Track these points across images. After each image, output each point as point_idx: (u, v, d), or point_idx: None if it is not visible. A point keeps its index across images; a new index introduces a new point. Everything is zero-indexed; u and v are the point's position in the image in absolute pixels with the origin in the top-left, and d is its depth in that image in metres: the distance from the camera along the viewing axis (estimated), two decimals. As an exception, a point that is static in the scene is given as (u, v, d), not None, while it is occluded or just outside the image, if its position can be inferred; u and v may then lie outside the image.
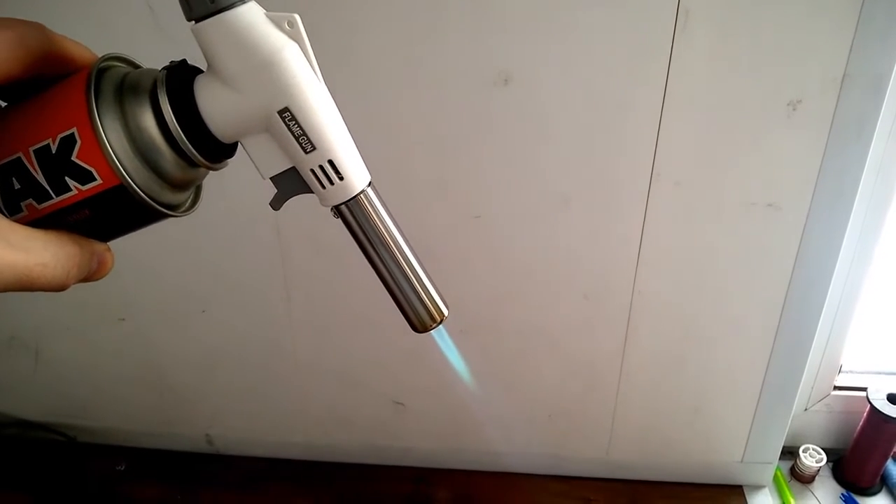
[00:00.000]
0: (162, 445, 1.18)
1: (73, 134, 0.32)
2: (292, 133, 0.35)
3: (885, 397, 1.02)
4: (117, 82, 0.34)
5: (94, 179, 0.32)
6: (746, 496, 1.07)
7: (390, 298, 0.41)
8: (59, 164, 0.32)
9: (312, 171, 0.36)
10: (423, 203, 0.88)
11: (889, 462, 1.07)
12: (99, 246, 0.35)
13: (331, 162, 0.36)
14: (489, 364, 1.01)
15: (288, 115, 0.34)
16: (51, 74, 0.33)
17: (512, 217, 0.89)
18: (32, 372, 1.14)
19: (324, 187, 0.37)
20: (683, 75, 0.76)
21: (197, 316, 1.03)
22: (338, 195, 0.38)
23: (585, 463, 1.09)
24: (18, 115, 0.33)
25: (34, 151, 0.32)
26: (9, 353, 1.12)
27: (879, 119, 0.76)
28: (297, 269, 0.96)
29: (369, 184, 0.39)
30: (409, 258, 0.40)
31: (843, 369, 1.09)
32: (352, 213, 0.39)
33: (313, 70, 0.35)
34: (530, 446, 1.09)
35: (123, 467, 1.15)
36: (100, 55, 0.35)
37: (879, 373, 1.11)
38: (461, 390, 1.04)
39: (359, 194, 0.38)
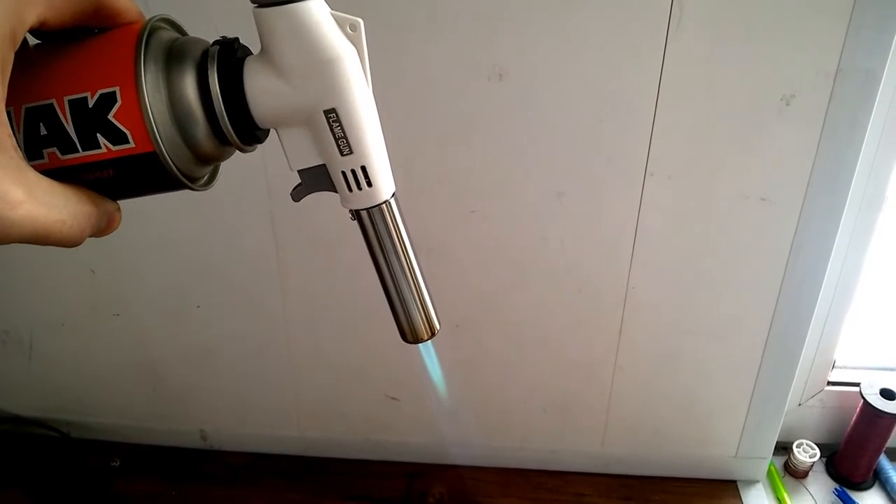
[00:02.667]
0: (156, 441, 1.18)
1: (114, 93, 0.31)
2: (333, 134, 0.35)
3: (879, 392, 1.03)
4: (165, 47, 0.33)
5: (127, 142, 0.32)
6: (740, 491, 1.07)
7: (387, 304, 0.42)
8: (94, 120, 0.31)
9: (343, 172, 0.37)
10: (419, 198, 0.88)
11: (882, 457, 1.08)
12: (111, 205, 0.34)
13: (363, 168, 0.37)
14: (484, 358, 1.01)
15: (333, 116, 0.35)
16: (96, 25, 0.33)
17: (507, 212, 0.89)
18: (26, 367, 1.13)
19: (350, 190, 0.37)
20: (677, 70, 0.77)
21: (192, 311, 1.03)
22: (363, 200, 0.38)
23: (580, 457, 1.09)
24: (57, 60, 0.32)
25: (69, 101, 0.31)
26: (2, 348, 1.12)
27: (872, 114, 0.77)
28: (291, 263, 0.96)
29: (393, 194, 0.39)
30: (415, 271, 0.41)
31: (836, 365, 1.10)
32: (371, 220, 0.39)
33: (366, 77, 0.36)
34: (525, 441, 1.09)
35: (118, 463, 1.15)
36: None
37: (872, 368, 1.11)
38: (455, 384, 1.04)
39: (382, 203, 0.38)
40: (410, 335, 0.42)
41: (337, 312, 1.00)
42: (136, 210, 0.97)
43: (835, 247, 0.86)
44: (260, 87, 0.34)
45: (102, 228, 0.34)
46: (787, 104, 0.77)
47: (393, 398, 1.07)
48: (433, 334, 0.42)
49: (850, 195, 0.82)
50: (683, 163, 0.83)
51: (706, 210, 0.86)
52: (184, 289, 1.02)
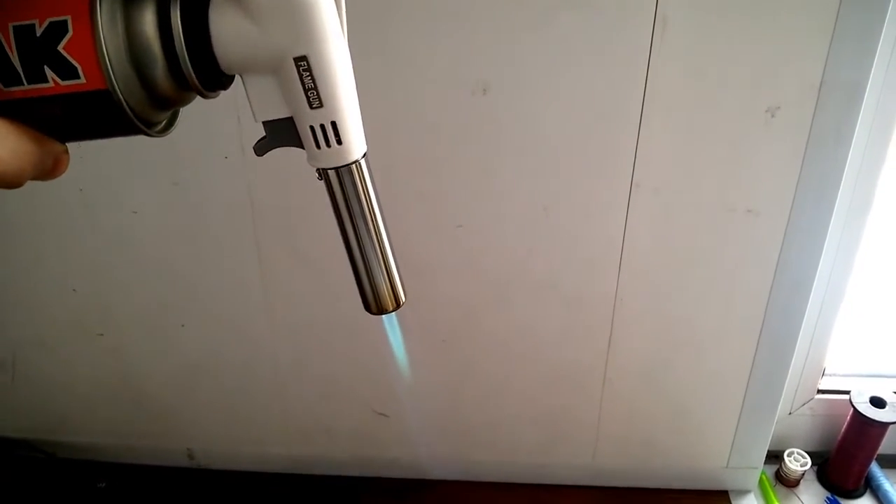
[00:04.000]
0: (143, 461, 1.17)
1: (65, 22, 0.29)
2: (303, 84, 0.33)
3: (868, 400, 1.02)
4: None
5: (77, 77, 0.29)
6: (732, 501, 1.07)
7: (352, 274, 0.40)
8: (41, 51, 0.29)
9: (312, 127, 0.35)
10: (405, 213, 0.87)
11: (873, 464, 1.08)
12: (57, 147, 0.32)
13: (334, 124, 0.34)
14: (472, 373, 1.00)
15: (304, 65, 0.33)
16: None
17: (493, 226, 0.88)
18: (9, 388, 1.12)
19: (318, 147, 0.35)
20: (662, 83, 0.76)
21: (176, 330, 1.02)
22: (331, 159, 0.36)
23: (571, 470, 1.09)
24: None
25: (14, 28, 0.29)
26: (-16, 369, 1.11)
27: (857, 125, 0.76)
28: (276, 281, 0.95)
29: (364, 155, 0.37)
30: (382, 238, 0.39)
31: (826, 373, 1.09)
32: (339, 180, 0.37)
33: (341, 25, 0.34)
34: (516, 455, 1.09)
35: (104, 484, 1.14)
36: None
37: (862, 375, 1.11)
38: (444, 399, 1.03)
39: (352, 163, 0.37)
40: (375, 306, 0.40)
41: (323, 328, 0.99)
42: (118, 228, 0.96)
43: (823, 255, 0.86)
44: (226, 28, 0.32)
45: (47, 171, 0.32)
46: (773, 116, 0.77)
47: (381, 414, 1.06)
48: (398, 306, 0.40)
49: (837, 204, 0.82)
50: (669, 175, 0.82)
51: (693, 222, 0.85)
52: (167, 307, 1.01)
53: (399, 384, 1.02)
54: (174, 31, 0.31)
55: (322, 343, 1.01)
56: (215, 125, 0.82)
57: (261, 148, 0.36)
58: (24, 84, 0.29)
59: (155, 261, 0.96)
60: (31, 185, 0.96)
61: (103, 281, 0.99)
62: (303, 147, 0.36)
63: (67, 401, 1.13)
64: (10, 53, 0.29)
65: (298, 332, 1.00)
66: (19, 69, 0.29)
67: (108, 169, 0.89)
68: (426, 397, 1.03)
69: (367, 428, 1.08)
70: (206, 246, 0.94)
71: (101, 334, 1.04)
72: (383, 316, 0.41)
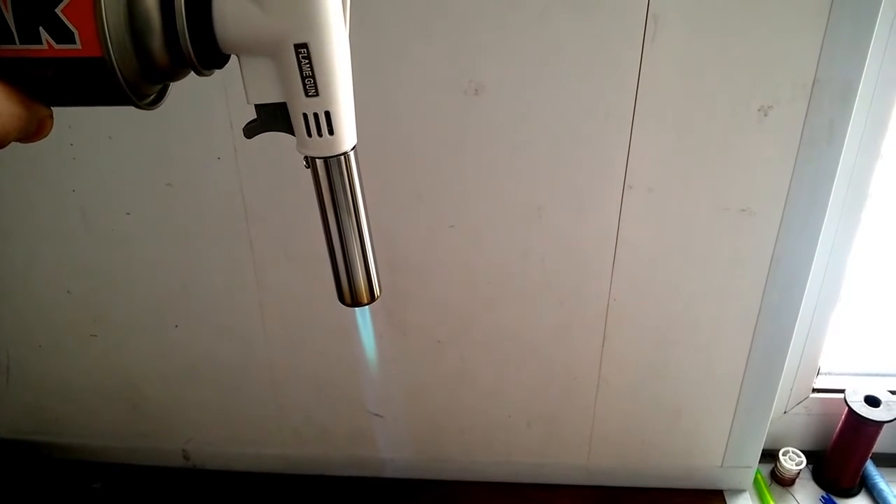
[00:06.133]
0: (138, 461, 1.16)
1: None
2: (301, 71, 0.33)
3: (863, 399, 1.02)
4: None
5: (73, 42, 0.29)
6: (727, 500, 1.07)
7: (329, 265, 0.40)
8: (38, 11, 0.28)
9: (305, 115, 0.35)
10: (398, 213, 0.87)
11: (869, 463, 1.08)
12: (43, 110, 0.32)
13: (327, 113, 0.35)
14: (467, 373, 1.00)
15: (304, 52, 0.33)
16: None
17: (486, 226, 0.88)
18: (4, 389, 1.12)
19: (309, 135, 0.35)
20: (654, 82, 0.76)
21: (170, 330, 1.02)
22: (321, 148, 0.36)
23: (566, 470, 1.09)
24: None
25: None
26: (-21, 371, 1.10)
27: (850, 123, 0.76)
28: (270, 281, 0.95)
29: (353, 147, 0.37)
30: (364, 231, 0.39)
31: (821, 371, 1.10)
32: (327, 170, 0.37)
33: (345, 18, 0.34)
34: (510, 455, 1.09)
35: (99, 485, 1.13)
36: None
37: (857, 374, 1.11)
38: (439, 400, 1.03)
39: (341, 155, 0.37)
40: (349, 298, 0.40)
41: (317, 329, 0.99)
42: (111, 229, 0.95)
43: (817, 254, 0.86)
44: (230, 8, 0.32)
45: (30, 134, 0.32)
46: (765, 115, 0.77)
47: (376, 414, 1.06)
48: (373, 299, 0.41)
49: (830, 202, 0.82)
50: (663, 175, 0.82)
51: (687, 221, 0.85)
52: (162, 308, 1.00)
53: (394, 385, 1.02)
54: (176, 6, 0.31)
55: (317, 343, 1.00)
56: (208, 126, 0.82)
57: (250, 131, 0.36)
58: (16, 43, 0.29)
59: (149, 262, 0.96)
60: (25, 188, 0.96)
61: (97, 282, 0.99)
62: (293, 133, 0.36)
63: (62, 402, 1.13)
64: (4, 10, 0.28)
65: (293, 333, 1.00)
66: (13, 27, 0.28)
67: (101, 170, 0.89)
68: (421, 398, 1.03)
69: (362, 428, 1.08)
70: (200, 247, 0.94)
71: (95, 335, 1.04)
72: (356, 309, 0.41)
